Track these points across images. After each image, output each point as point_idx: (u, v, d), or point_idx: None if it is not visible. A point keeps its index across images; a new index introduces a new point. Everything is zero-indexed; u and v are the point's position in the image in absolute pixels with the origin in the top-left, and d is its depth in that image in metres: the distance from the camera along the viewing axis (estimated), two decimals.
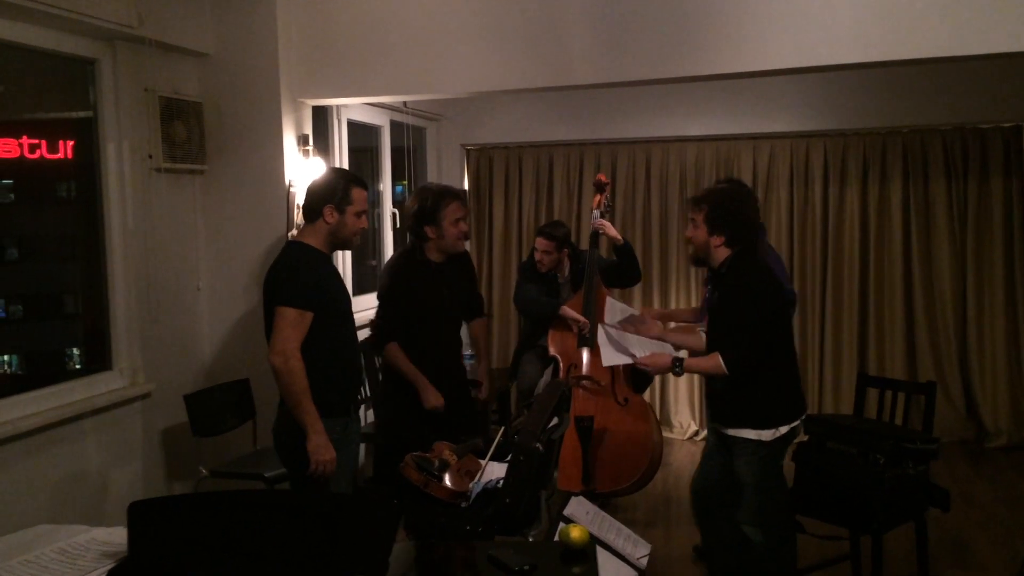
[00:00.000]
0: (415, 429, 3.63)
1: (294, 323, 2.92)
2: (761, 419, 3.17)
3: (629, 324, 3.82)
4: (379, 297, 3.80)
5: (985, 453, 5.84)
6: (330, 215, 3.04)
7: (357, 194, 3.08)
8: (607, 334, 3.45)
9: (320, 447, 2.95)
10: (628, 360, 3.41)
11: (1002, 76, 5.51)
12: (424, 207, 3.67)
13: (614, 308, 4.24)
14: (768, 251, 3.94)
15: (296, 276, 2.97)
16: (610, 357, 3.43)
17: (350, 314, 3.21)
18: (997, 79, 5.54)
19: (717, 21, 3.81)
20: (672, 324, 4.53)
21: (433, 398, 3.68)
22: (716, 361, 3.12)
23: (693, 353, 3.38)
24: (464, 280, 3.95)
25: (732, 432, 3.22)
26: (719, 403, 3.30)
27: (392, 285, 3.73)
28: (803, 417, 3.29)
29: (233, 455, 4.26)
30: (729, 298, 3.19)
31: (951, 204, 5.97)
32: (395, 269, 3.78)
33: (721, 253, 3.21)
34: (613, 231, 4.62)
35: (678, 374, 3.29)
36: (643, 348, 3.39)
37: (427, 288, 3.71)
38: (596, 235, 4.62)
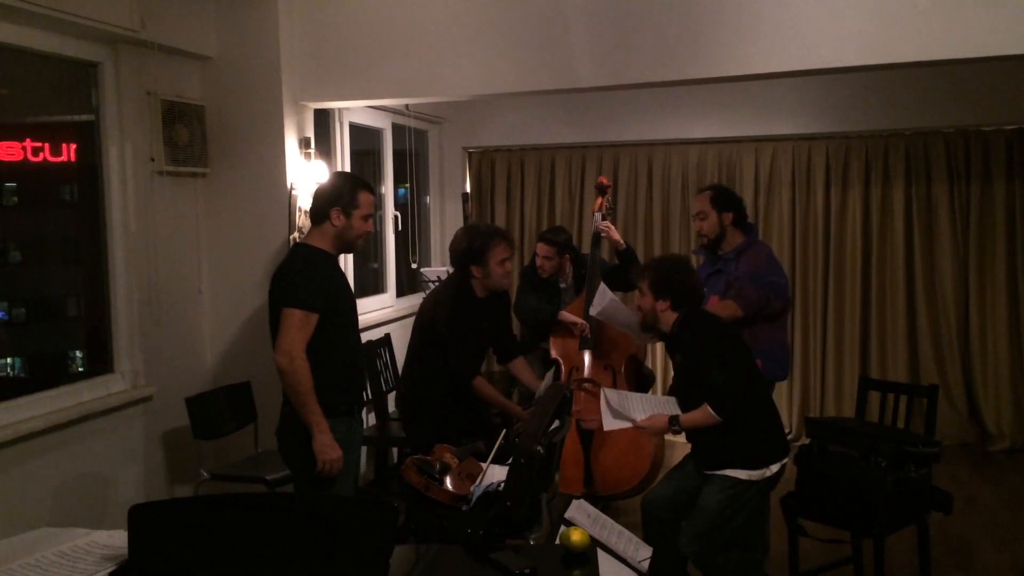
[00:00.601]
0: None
1: (300, 324, 2.95)
2: (750, 460, 3.16)
3: (615, 306, 3.94)
4: (444, 337, 3.68)
5: (987, 456, 5.83)
6: (336, 218, 3.08)
7: (363, 198, 3.12)
8: (607, 400, 3.43)
9: (326, 447, 2.98)
10: (628, 424, 3.37)
11: (1005, 78, 5.50)
12: (472, 247, 3.70)
13: (604, 295, 4.25)
14: (763, 248, 3.97)
15: (303, 278, 2.99)
16: (610, 423, 3.40)
17: (355, 316, 3.23)
18: (1000, 81, 5.53)
19: (719, 24, 3.81)
20: None
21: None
22: (706, 411, 3.13)
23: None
24: (501, 317, 3.96)
25: (717, 472, 3.20)
26: (705, 448, 3.26)
27: (455, 325, 3.70)
28: (787, 458, 3.26)
29: (234, 458, 4.26)
30: (692, 353, 3.25)
31: (953, 207, 5.96)
32: (455, 309, 3.73)
33: (668, 317, 3.30)
34: (616, 235, 4.62)
35: (677, 432, 3.28)
36: (643, 410, 3.38)
37: (471, 323, 3.74)
38: (598, 237, 4.62)
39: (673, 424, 3.24)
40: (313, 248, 3.10)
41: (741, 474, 3.15)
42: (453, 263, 3.87)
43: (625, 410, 3.39)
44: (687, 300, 3.29)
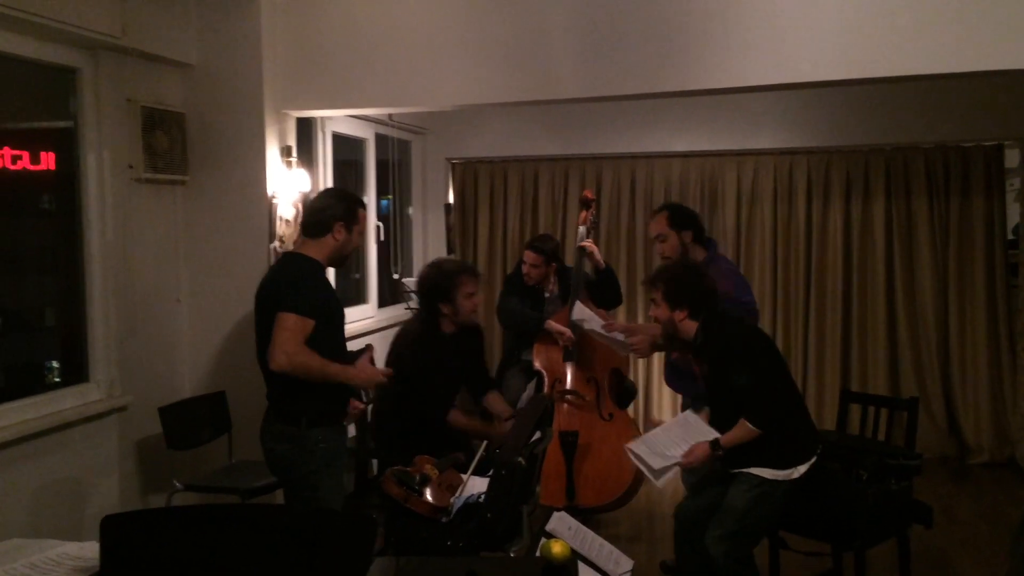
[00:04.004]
0: None
1: (294, 328, 2.95)
2: (777, 459, 3.15)
3: (596, 324, 3.97)
4: (416, 375, 3.66)
5: (967, 469, 5.86)
6: (339, 232, 3.13)
7: (362, 214, 3.24)
8: (639, 456, 3.36)
9: (356, 376, 3.12)
10: (675, 467, 3.32)
11: (984, 95, 5.55)
12: (440, 285, 3.76)
13: (583, 312, 4.26)
14: (724, 264, 3.99)
15: (300, 285, 3.02)
16: (662, 478, 3.33)
17: (343, 326, 3.25)
18: (979, 98, 5.58)
19: (702, 37, 3.83)
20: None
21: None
22: (746, 428, 3.12)
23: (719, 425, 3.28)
24: (475, 352, 4.00)
25: (743, 470, 3.18)
26: (733, 447, 3.22)
27: (422, 363, 3.69)
28: (817, 454, 3.24)
29: (209, 468, 4.20)
30: (718, 362, 3.21)
31: (933, 222, 6.01)
32: (423, 348, 3.75)
33: (688, 326, 3.26)
34: (599, 256, 4.60)
35: (720, 456, 3.22)
36: (675, 444, 3.32)
37: (440, 361, 3.74)
38: (583, 250, 4.61)
39: (716, 449, 3.20)
40: (307, 257, 3.12)
41: (767, 473, 3.13)
42: (420, 302, 3.91)
43: (660, 453, 3.31)
44: (704, 306, 3.24)
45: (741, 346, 3.19)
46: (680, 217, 3.96)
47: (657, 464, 3.31)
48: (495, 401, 4.06)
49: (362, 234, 3.24)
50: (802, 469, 3.16)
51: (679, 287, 3.24)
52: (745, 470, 3.17)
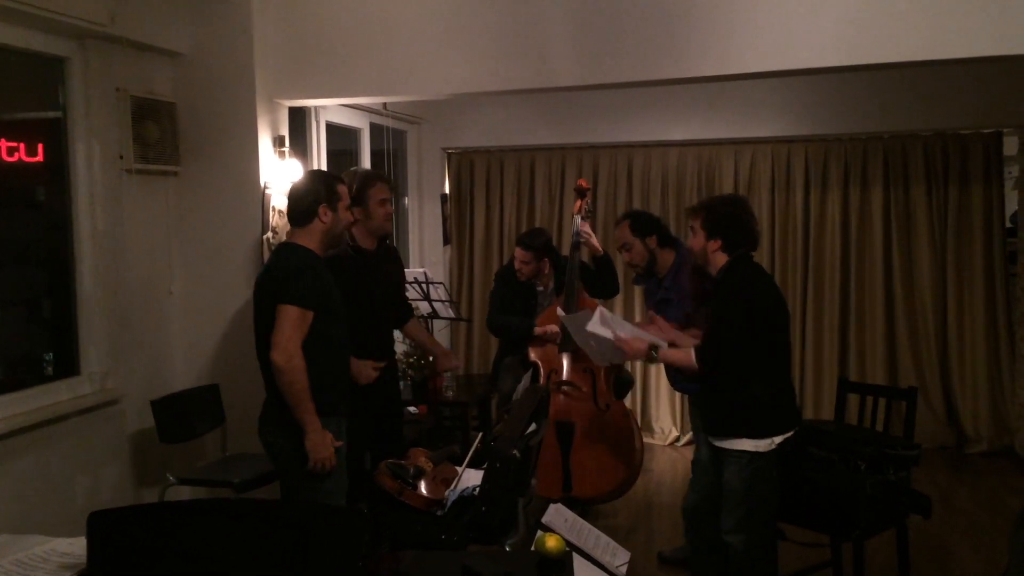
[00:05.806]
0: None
1: (296, 322, 2.94)
2: (755, 429, 3.11)
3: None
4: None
5: (965, 459, 5.85)
6: (325, 214, 3.11)
7: (342, 189, 3.20)
8: (602, 314, 3.41)
9: (318, 445, 2.97)
10: (608, 335, 3.33)
11: (983, 82, 5.52)
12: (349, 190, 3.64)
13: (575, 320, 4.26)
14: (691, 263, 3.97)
15: (298, 276, 3.00)
16: (596, 326, 3.37)
17: (344, 316, 3.22)
18: (978, 85, 5.55)
19: (700, 24, 3.79)
20: None
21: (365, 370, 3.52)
22: (688, 356, 3.08)
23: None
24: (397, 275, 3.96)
25: (726, 444, 3.16)
26: (711, 414, 3.23)
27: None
28: (797, 428, 3.23)
29: (202, 462, 4.18)
30: (718, 300, 3.16)
31: (931, 210, 5.98)
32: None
33: (719, 259, 3.18)
34: (595, 241, 4.59)
35: (653, 361, 3.24)
36: (630, 333, 3.35)
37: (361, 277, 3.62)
38: (578, 242, 4.58)
39: (651, 351, 3.19)
40: (303, 247, 3.10)
41: (748, 444, 3.10)
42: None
43: (612, 326, 3.36)
44: (742, 243, 3.17)
45: (740, 292, 3.11)
46: (641, 224, 4.06)
47: (603, 322, 3.37)
48: (411, 328, 4.06)
49: (349, 208, 3.21)
50: (778, 440, 3.13)
51: (720, 217, 3.18)
52: (728, 447, 3.14)
